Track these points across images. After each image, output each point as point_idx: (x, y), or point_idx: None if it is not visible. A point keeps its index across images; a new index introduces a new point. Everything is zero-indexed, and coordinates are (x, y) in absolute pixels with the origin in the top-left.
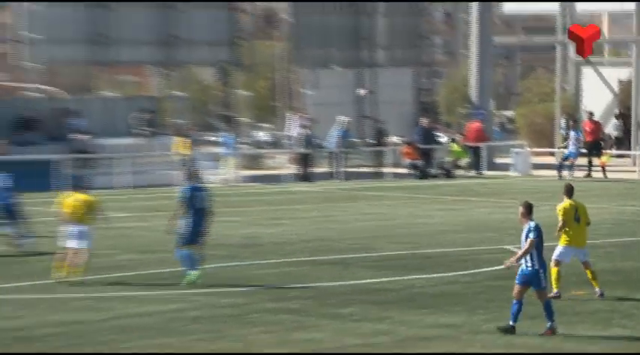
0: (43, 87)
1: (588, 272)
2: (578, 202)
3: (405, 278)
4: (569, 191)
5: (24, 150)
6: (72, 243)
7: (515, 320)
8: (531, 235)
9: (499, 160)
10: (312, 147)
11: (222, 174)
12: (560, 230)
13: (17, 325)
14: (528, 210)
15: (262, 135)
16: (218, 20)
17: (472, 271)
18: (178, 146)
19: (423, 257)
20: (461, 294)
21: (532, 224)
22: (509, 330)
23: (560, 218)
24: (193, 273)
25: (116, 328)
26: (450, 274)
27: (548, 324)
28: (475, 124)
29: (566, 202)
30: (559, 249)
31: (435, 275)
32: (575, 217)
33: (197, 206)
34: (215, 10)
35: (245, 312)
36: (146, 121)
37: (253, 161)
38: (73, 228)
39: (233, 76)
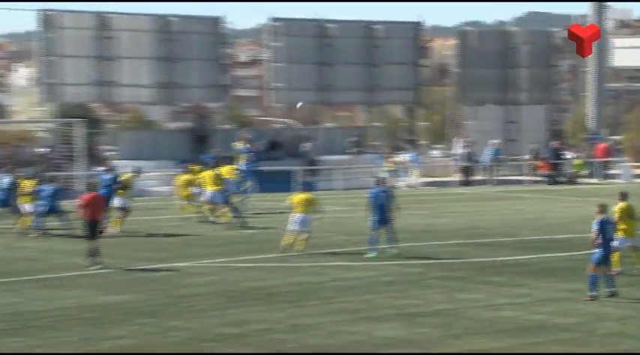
0: (285, 120)
1: (635, 254)
2: (630, 204)
3: (539, 255)
4: (624, 196)
5: (272, 164)
6: (296, 227)
7: (596, 288)
8: (608, 226)
9: (610, 171)
10: (471, 162)
11: (408, 181)
12: (617, 224)
13: (266, 284)
14: (602, 208)
15: (436, 153)
16: (406, 73)
17: (588, 251)
18: (386, 162)
19: (552, 241)
20: (580, 268)
21: (604, 218)
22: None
23: (616, 215)
24: (373, 254)
25: (334, 287)
26: (572, 253)
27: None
28: (602, 145)
29: (622, 204)
30: (619, 239)
31: (560, 253)
32: (629, 215)
33: (380, 202)
34: (405, 66)
35: (423, 278)
36: (354, 143)
37: (430, 171)
38: (299, 216)
39: (416, 112)
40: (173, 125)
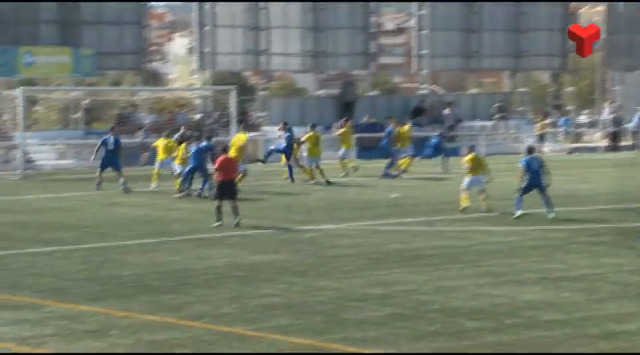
0: (430, 87)
1: None
2: None
3: None
4: None
5: (416, 129)
6: (470, 187)
7: None
8: None
9: None
10: (619, 127)
11: (555, 146)
12: None
13: (410, 247)
14: None
15: (583, 119)
16: (553, 39)
17: None
18: (535, 127)
19: None
20: None
21: None
22: None
23: None
24: (520, 212)
25: (475, 251)
26: None
27: None
28: None
29: None
30: None
31: None
32: None
33: (532, 170)
34: (552, 32)
35: (567, 243)
36: (498, 109)
37: (577, 137)
38: (470, 178)
39: (562, 78)
40: (320, 92)
